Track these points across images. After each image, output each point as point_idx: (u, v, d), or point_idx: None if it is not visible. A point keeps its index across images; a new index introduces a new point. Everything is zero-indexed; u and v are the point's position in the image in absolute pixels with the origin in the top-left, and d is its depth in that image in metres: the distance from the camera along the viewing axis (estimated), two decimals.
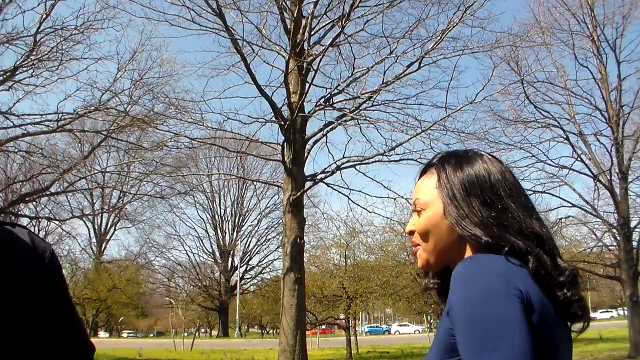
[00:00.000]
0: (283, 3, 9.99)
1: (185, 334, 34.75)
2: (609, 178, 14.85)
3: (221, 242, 41.45)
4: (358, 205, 18.13)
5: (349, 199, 11.55)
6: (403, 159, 11.16)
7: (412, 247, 1.15)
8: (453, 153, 1.16)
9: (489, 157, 1.14)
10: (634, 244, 14.66)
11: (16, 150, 13.00)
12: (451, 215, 1.06)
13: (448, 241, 1.07)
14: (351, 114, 10.59)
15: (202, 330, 54.10)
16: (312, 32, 10.46)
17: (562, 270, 0.99)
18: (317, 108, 10.62)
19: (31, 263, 1.35)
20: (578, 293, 0.98)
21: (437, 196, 1.10)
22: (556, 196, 16.60)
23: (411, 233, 1.14)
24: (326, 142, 11.43)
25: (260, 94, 9.95)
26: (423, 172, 1.18)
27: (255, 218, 41.40)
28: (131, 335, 53.40)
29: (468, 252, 1.06)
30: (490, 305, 0.88)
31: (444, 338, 0.94)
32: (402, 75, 10.53)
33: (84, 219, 34.45)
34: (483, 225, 1.03)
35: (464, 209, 1.05)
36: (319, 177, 11.02)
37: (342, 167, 11.00)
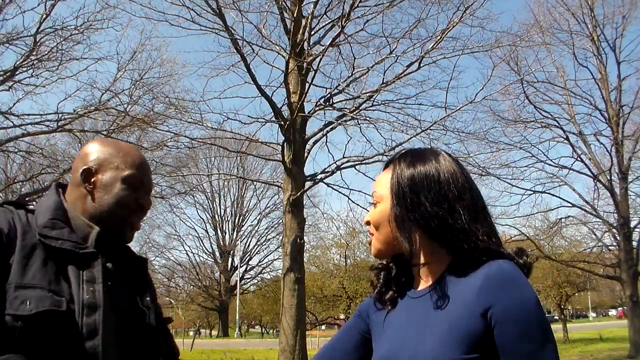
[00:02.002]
0: (283, 3, 9.99)
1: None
2: (609, 178, 14.86)
3: (221, 242, 41.42)
4: (358, 205, 18.06)
5: (349, 199, 11.59)
6: None
7: (368, 235, 1.23)
8: (411, 150, 1.22)
9: (446, 156, 1.19)
10: (634, 244, 14.67)
11: (16, 150, 12.99)
12: (394, 212, 1.13)
13: (395, 232, 1.14)
14: (351, 114, 10.58)
15: (201, 331, 53.97)
16: (312, 32, 10.46)
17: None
18: (317, 108, 10.62)
19: (148, 278, 1.43)
20: None
21: (389, 191, 1.16)
22: (556, 196, 16.64)
23: (368, 223, 1.22)
24: (326, 142, 11.43)
25: (260, 94, 9.95)
26: (385, 167, 1.24)
27: (255, 218, 41.36)
28: None
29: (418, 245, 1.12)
30: (542, 308, 1.01)
31: (470, 335, 0.98)
32: (402, 75, 10.53)
33: None
34: (426, 226, 1.09)
35: (411, 207, 1.11)
36: (319, 177, 11.02)
37: (342, 167, 11.00)
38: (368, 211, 1.24)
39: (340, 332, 1.31)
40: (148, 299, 1.33)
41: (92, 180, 1.29)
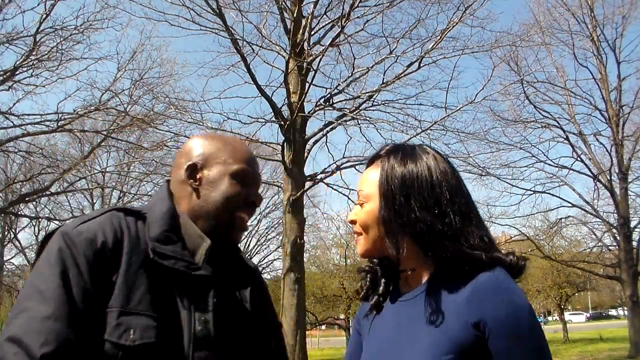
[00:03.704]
0: (283, 3, 9.99)
1: None
2: (609, 178, 14.86)
3: None
4: None
5: (349, 199, 11.52)
6: None
7: (354, 234, 1.18)
8: (400, 148, 1.15)
9: (436, 155, 1.13)
10: (634, 244, 14.66)
11: (16, 150, 13.00)
12: (384, 215, 1.08)
13: (383, 236, 1.09)
14: (351, 114, 10.58)
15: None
16: (312, 32, 10.46)
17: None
18: (317, 108, 10.62)
19: (262, 287, 1.34)
20: None
21: (377, 191, 1.11)
22: (556, 196, 16.64)
23: (353, 222, 1.16)
24: (326, 142, 11.43)
25: (260, 94, 9.95)
26: (370, 163, 1.18)
27: (255, 218, 41.31)
28: None
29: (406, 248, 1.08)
30: (533, 315, 0.99)
31: (460, 344, 0.96)
32: (402, 75, 10.53)
33: None
34: (413, 232, 1.05)
35: (399, 210, 1.06)
36: (319, 177, 11.02)
37: (342, 167, 10.99)
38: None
39: (350, 348, 1.27)
40: (264, 310, 1.25)
41: (198, 176, 1.20)
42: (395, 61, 10.45)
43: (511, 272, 1.03)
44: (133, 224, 1.12)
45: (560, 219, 16.64)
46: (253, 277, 1.29)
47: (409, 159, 1.10)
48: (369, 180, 1.13)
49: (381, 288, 1.18)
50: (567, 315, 48.68)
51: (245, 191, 1.20)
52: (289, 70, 9.57)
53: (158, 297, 1.04)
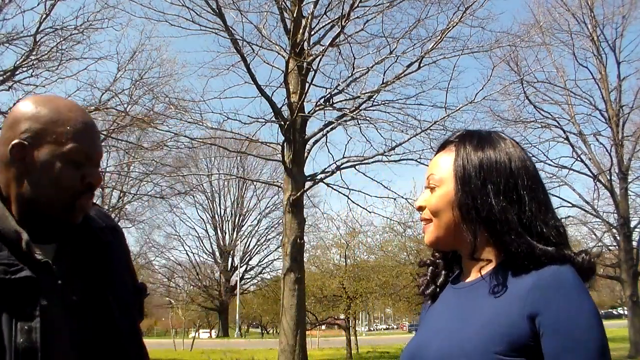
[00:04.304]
0: (283, 3, 9.99)
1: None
2: (608, 178, 14.86)
3: (221, 242, 41.44)
4: (358, 205, 18.12)
5: (349, 199, 11.55)
6: (403, 159, 11.17)
7: (421, 222, 1.13)
8: (475, 132, 1.12)
9: (513, 142, 1.09)
10: (634, 244, 14.67)
11: None
12: (461, 199, 1.04)
13: (459, 221, 1.05)
14: (351, 114, 10.59)
15: (202, 331, 53.82)
16: (312, 32, 10.46)
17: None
18: (317, 108, 10.62)
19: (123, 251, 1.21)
20: None
21: (452, 174, 1.07)
22: (556, 196, 16.57)
23: (421, 209, 1.12)
24: (326, 142, 11.43)
25: (260, 94, 9.96)
26: (441, 148, 1.14)
27: (255, 218, 41.38)
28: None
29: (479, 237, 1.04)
30: (597, 318, 0.93)
31: (511, 334, 0.92)
32: (402, 75, 10.54)
33: None
34: (487, 218, 1.01)
35: (475, 195, 1.03)
36: (319, 177, 11.02)
37: (342, 167, 11.00)
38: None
39: None
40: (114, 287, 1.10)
41: (25, 158, 1.02)
42: (395, 61, 10.47)
43: (580, 272, 0.98)
44: None
45: (560, 219, 16.62)
46: (105, 254, 1.12)
47: (486, 145, 1.07)
48: (441, 165, 1.09)
49: (440, 280, 1.15)
50: None
51: (79, 173, 1.04)
52: (289, 70, 9.58)
53: None
